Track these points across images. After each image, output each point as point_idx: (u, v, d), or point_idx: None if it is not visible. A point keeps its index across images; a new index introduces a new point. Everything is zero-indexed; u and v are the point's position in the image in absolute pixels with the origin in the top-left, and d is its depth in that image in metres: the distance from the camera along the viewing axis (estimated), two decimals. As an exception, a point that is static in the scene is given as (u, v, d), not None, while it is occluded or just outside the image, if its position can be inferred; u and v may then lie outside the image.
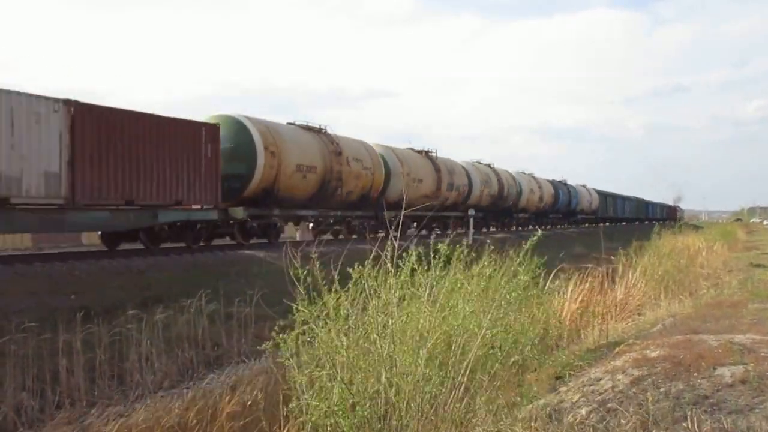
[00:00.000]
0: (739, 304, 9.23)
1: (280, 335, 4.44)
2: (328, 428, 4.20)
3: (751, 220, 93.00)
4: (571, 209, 44.56)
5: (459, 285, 5.27)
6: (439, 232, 26.62)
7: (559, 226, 43.00)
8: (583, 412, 4.23)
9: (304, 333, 4.54)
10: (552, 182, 42.60)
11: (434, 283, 4.99)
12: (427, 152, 28.74)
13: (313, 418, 4.21)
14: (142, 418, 5.47)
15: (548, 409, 4.36)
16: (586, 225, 46.96)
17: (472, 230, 28.09)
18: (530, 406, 4.54)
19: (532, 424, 4.11)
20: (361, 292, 4.77)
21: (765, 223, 75.53)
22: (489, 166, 35.62)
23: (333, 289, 4.65)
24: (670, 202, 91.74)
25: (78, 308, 8.53)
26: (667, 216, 72.74)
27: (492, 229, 35.98)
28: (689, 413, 3.84)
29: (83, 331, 7.21)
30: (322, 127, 21.76)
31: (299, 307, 4.53)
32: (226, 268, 13.82)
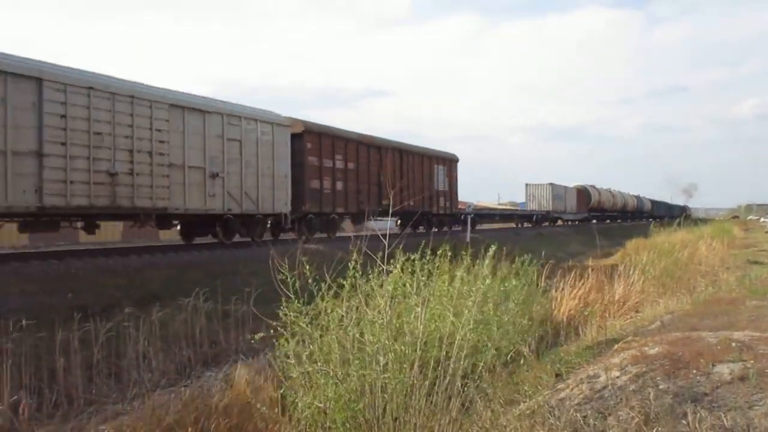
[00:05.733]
0: (737, 301, 9.24)
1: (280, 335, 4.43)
2: (322, 425, 4.19)
3: (748, 218, 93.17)
4: (642, 211, 76.14)
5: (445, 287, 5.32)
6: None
7: (637, 221, 70.78)
8: (582, 409, 4.22)
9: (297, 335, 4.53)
10: (635, 196, 73.90)
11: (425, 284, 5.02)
12: (610, 189, 63.32)
13: (306, 415, 4.20)
14: (139, 416, 5.45)
15: (546, 406, 4.35)
16: (643, 220, 73.27)
17: (469, 228, 28.16)
18: (528, 402, 4.54)
19: (531, 420, 4.10)
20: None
21: (762, 220, 75.58)
22: (619, 191, 67.58)
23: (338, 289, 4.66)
24: (680, 201, 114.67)
25: (75, 307, 8.51)
26: (680, 213, 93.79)
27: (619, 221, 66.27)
28: (689, 410, 3.83)
29: (80, 329, 7.18)
30: (594, 185, 57.86)
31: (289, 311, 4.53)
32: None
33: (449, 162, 30.21)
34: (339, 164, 21.39)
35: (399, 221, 26.23)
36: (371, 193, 22.87)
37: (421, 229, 27.23)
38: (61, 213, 13.14)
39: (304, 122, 20.12)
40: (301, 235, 19.01)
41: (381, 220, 20.75)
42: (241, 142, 16.97)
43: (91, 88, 13.10)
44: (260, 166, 17.58)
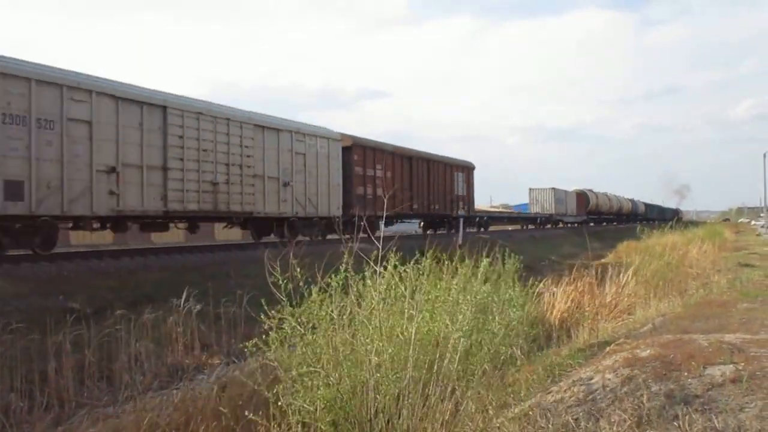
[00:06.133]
0: (728, 303, 9.28)
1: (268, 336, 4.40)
2: (314, 426, 4.17)
3: (739, 220, 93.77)
4: (636, 213, 79.33)
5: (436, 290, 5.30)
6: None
7: (631, 223, 70.75)
8: (574, 411, 4.23)
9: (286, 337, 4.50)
10: (630, 199, 78.12)
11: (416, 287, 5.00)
12: (606, 193, 66.46)
13: (297, 418, 4.18)
14: (130, 419, 5.42)
15: (539, 408, 4.35)
16: (637, 222, 76.63)
17: (461, 231, 28.22)
18: (521, 405, 4.54)
19: (523, 423, 4.11)
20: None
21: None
22: (615, 194, 71.01)
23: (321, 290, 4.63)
24: (673, 203, 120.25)
25: (67, 309, 8.46)
26: (672, 216, 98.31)
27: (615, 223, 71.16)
28: (681, 413, 3.85)
29: (72, 332, 7.13)
30: (592, 189, 61.29)
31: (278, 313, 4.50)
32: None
33: (467, 169, 33.82)
34: (379, 173, 24.48)
35: (422, 223, 29.66)
36: (404, 198, 25.46)
37: (442, 230, 30.64)
38: (178, 216, 15.95)
39: (352, 137, 22.87)
40: (344, 235, 20.84)
41: (407, 222, 25.08)
42: (305, 155, 20.04)
43: (200, 113, 16.04)
44: (319, 175, 20.67)
